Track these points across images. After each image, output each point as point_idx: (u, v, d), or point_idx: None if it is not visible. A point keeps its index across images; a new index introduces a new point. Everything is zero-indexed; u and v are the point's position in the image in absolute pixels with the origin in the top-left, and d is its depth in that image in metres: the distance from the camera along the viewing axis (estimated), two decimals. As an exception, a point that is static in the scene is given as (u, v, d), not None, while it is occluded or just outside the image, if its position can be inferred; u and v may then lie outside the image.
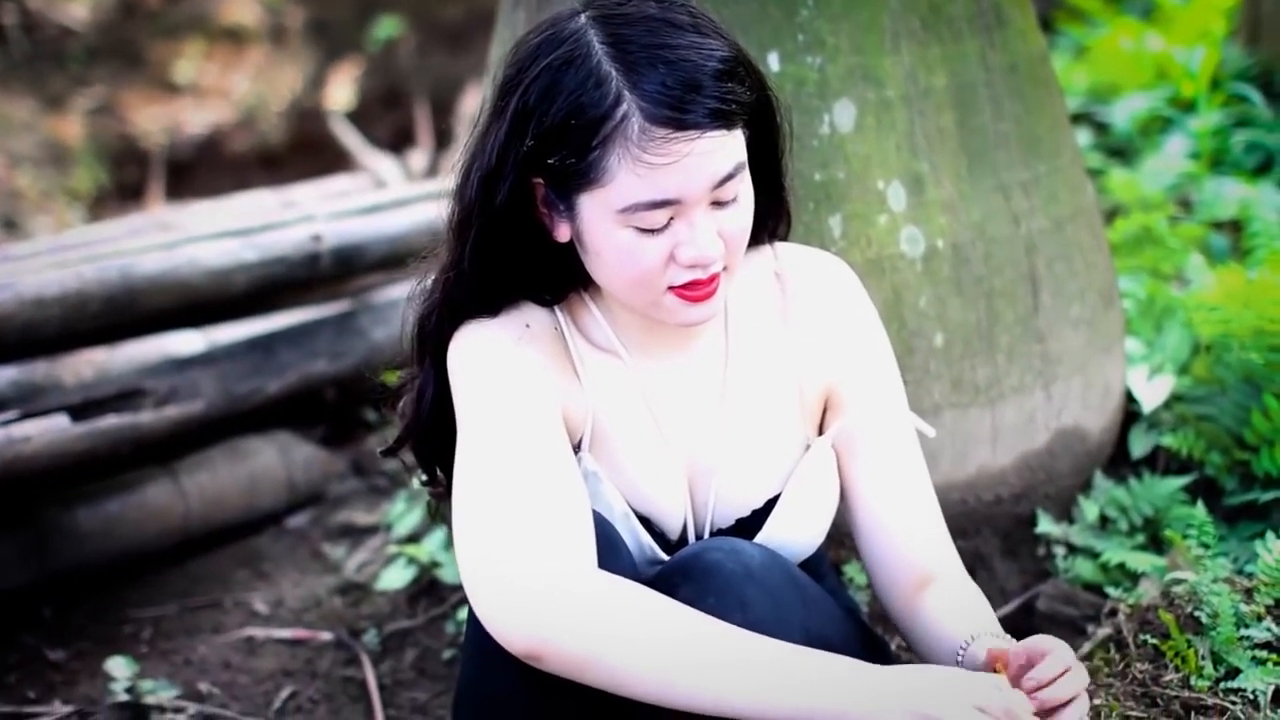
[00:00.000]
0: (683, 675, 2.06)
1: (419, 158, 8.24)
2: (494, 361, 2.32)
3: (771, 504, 2.50)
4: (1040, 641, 2.23)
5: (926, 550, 2.54)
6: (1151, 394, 3.79)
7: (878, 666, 2.13)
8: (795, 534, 2.51)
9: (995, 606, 3.53)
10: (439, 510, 2.38)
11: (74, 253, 4.25)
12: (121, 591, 4.46)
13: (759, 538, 2.46)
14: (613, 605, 2.07)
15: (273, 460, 4.90)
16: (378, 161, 7.60)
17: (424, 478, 2.60)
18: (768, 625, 2.19)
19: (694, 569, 2.26)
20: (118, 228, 5.09)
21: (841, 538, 3.40)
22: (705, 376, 2.49)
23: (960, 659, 2.35)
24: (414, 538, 4.31)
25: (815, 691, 2.08)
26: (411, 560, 4.14)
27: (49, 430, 4.02)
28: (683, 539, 2.48)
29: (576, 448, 2.40)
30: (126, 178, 9.75)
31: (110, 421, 4.20)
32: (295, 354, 4.82)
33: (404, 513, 4.44)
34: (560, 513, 2.14)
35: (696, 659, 2.07)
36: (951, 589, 2.51)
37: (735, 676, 2.07)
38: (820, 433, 2.57)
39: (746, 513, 2.49)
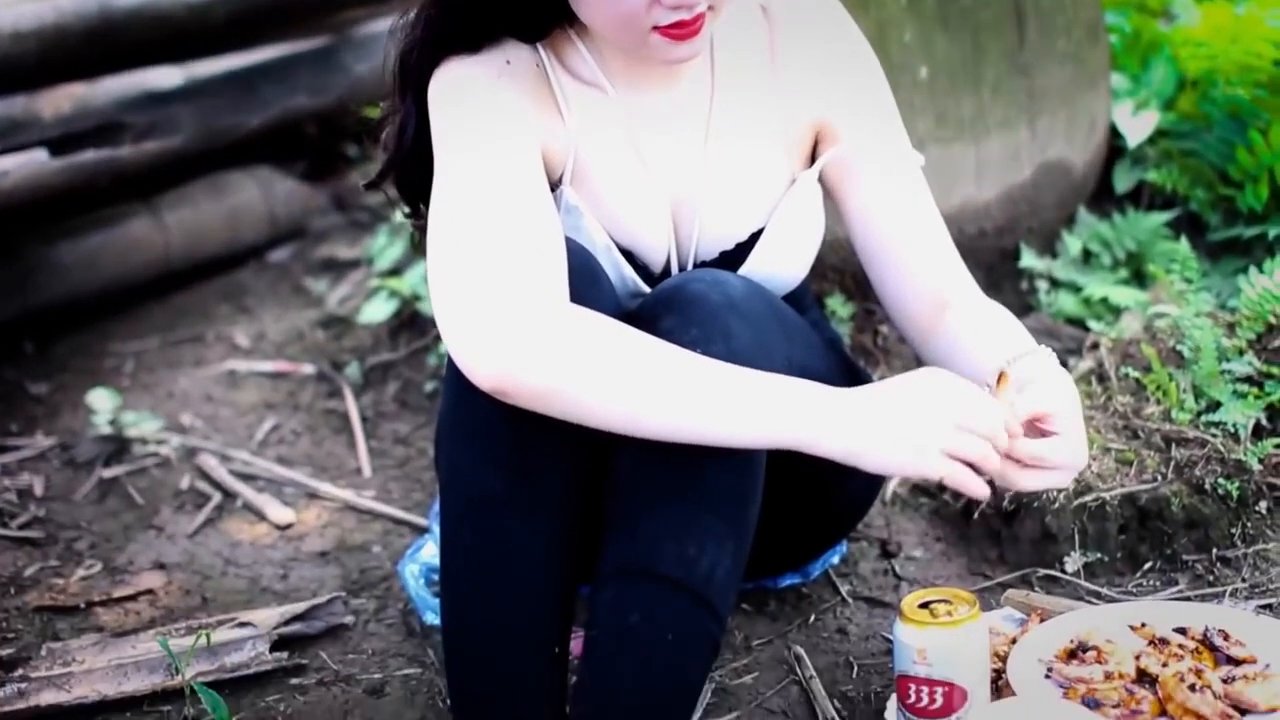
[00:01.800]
0: (649, 403, 2.06)
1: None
2: (472, 97, 2.29)
3: (756, 237, 2.48)
4: (1048, 401, 2.24)
5: (939, 273, 2.51)
6: (1136, 129, 3.77)
7: (857, 389, 2.13)
8: (779, 267, 2.49)
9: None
10: (421, 243, 2.36)
11: (51, -16, 4.19)
12: (103, 325, 4.47)
13: (742, 270, 2.45)
14: (577, 335, 2.06)
15: (254, 195, 4.88)
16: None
17: (406, 210, 2.58)
18: (750, 355, 2.18)
19: (677, 300, 2.25)
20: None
21: (825, 270, 3.41)
22: (690, 110, 2.46)
23: (1012, 366, 2.33)
24: (396, 271, 4.30)
25: (790, 415, 2.08)
26: (393, 293, 4.14)
27: (28, 164, 3.98)
28: (666, 272, 2.47)
29: (558, 182, 2.38)
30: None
31: (89, 156, 4.16)
32: (276, 88, 4.77)
33: (385, 246, 4.43)
34: (531, 247, 2.13)
35: (663, 387, 2.06)
36: (970, 311, 2.48)
37: (704, 402, 2.07)
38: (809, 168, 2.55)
39: (730, 245, 2.48)
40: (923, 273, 2.49)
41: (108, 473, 3.62)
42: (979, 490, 2.10)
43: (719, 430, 2.08)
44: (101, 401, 3.79)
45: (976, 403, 2.10)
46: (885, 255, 2.50)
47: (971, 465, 2.09)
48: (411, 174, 2.44)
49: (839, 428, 2.07)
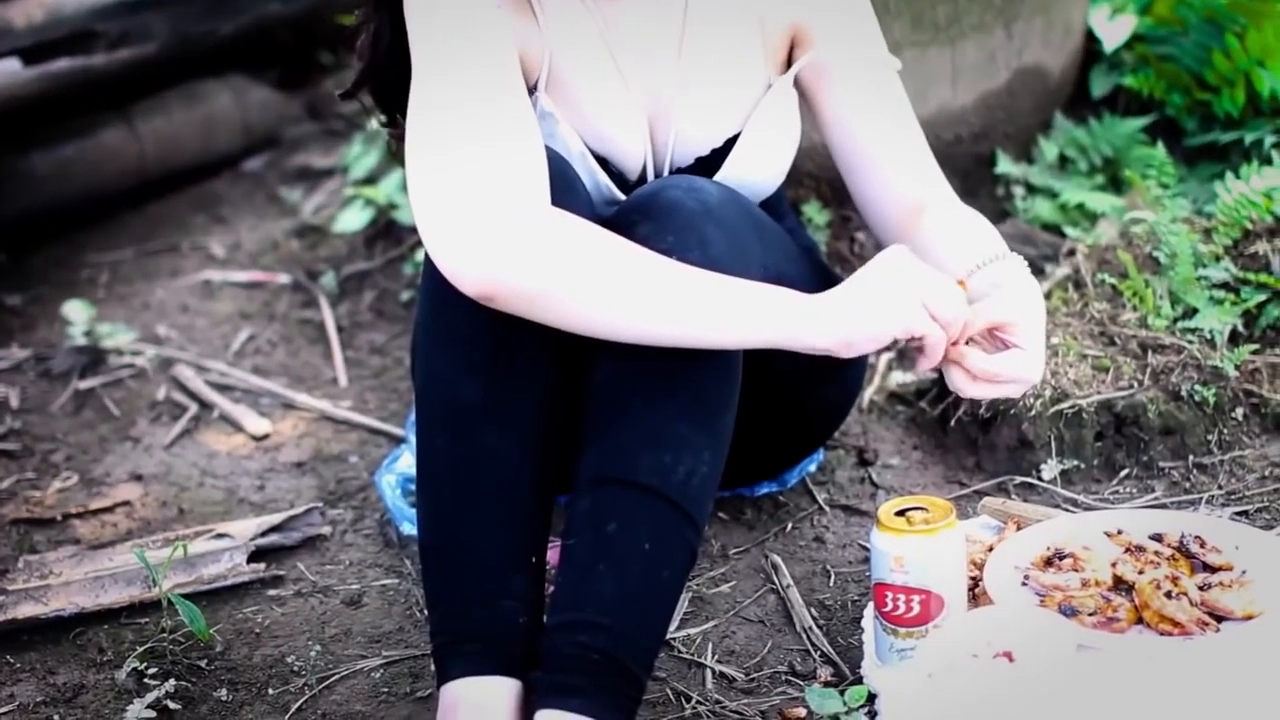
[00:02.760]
0: (636, 308, 2.05)
1: None
2: (449, 2, 2.26)
3: (732, 143, 2.47)
4: (1007, 311, 2.24)
5: (914, 179, 2.51)
6: (1113, 33, 3.75)
7: (830, 291, 2.13)
8: (755, 172, 2.48)
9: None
10: (398, 151, 2.35)
11: (19, -109, 4.16)
12: (78, 236, 4.46)
13: (718, 176, 2.43)
14: (564, 239, 2.05)
15: (228, 103, 4.86)
16: None
17: (383, 119, 2.57)
18: (726, 262, 2.17)
19: (652, 207, 2.24)
20: None
21: (801, 177, 3.40)
22: (666, 16, 2.44)
23: (980, 271, 2.33)
24: (371, 180, 4.29)
25: (775, 314, 2.08)
26: (368, 202, 4.13)
27: (0, 74, 3.96)
28: (641, 179, 2.46)
29: (533, 89, 2.37)
30: None
31: (62, 64, 4.15)
32: (249, -6, 4.74)
33: (360, 155, 4.41)
34: (512, 150, 2.11)
35: (651, 291, 2.05)
36: (945, 216, 2.47)
37: (691, 306, 2.06)
38: (785, 73, 2.54)
39: (706, 151, 2.47)
40: (898, 178, 2.49)
41: (83, 384, 3.61)
42: (926, 364, 2.15)
43: (706, 333, 2.08)
44: (76, 313, 3.79)
45: (940, 287, 2.11)
46: (861, 160, 2.50)
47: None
48: (388, 83, 2.42)
49: (822, 322, 2.07)
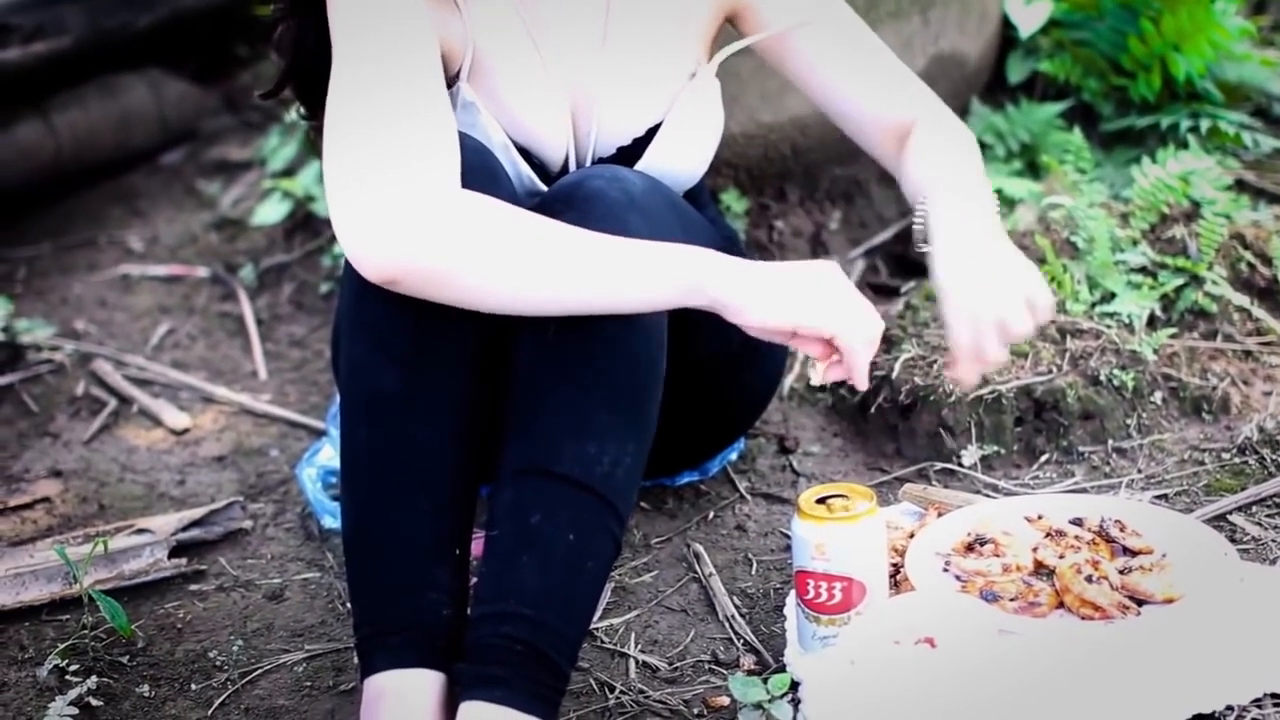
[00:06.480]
0: (538, 276, 2.04)
1: None
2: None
3: (653, 133, 2.47)
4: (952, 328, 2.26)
5: (893, 104, 2.54)
6: (1029, 19, 3.76)
7: (758, 263, 2.14)
8: (676, 162, 2.49)
9: (873, 233, 3.57)
10: (318, 142, 2.33)
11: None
12: (-6, 231, 4.43)
13: (640, 165, 2.44)
14: (464, 216, 2.04)
15: (144, 96, 4.83)
16: None
17: (304, 112, 2.55)
18: (650, 252, 2.19)
19: (575, 197, 2.24)
20: None
21: (719, 165, 3.40)
22: (589, 5, 2.44)
23: (918, 220, 2.36)
24: (289, 172, 4.27)
25: (674, 268, 2.08)
26: (286, 194, 4.11)
27: (-87, 68, 3.95)
28: (564, 170, 2.46)
29: (455, 79, 2.36)
30: None
31: (-26, 58, 4.12)
32: (164, -14, 4.72)
33: (278, 147, 4.39)
34: (423, 138, 2.10)
35: (553, 258, 2.05)
36: (920, 138, 2.50)
37: (593, 267, 2.05)
38: (710, 59, 2.54)
39: (628, 141, 2.47)
40: (877, 109, 2.53)
41: (1, 380, 3.58)
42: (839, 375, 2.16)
43: (613, 295, 2.08)
44: (-7, 308, 3.76)
45: (859, 306, 2.12)
46: (840, 103, 2.55)
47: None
48: (311, 79, 2.41)
49: (730, 275, 2.08)
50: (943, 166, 2.41)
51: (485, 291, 2.06)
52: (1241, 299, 3.01)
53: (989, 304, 2.22)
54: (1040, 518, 2.37)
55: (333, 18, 2.24)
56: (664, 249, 2.10)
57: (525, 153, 2.41)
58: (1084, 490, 2.71)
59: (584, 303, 2.09)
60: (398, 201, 2.02)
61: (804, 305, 2.10)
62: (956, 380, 2.27)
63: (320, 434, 3.19)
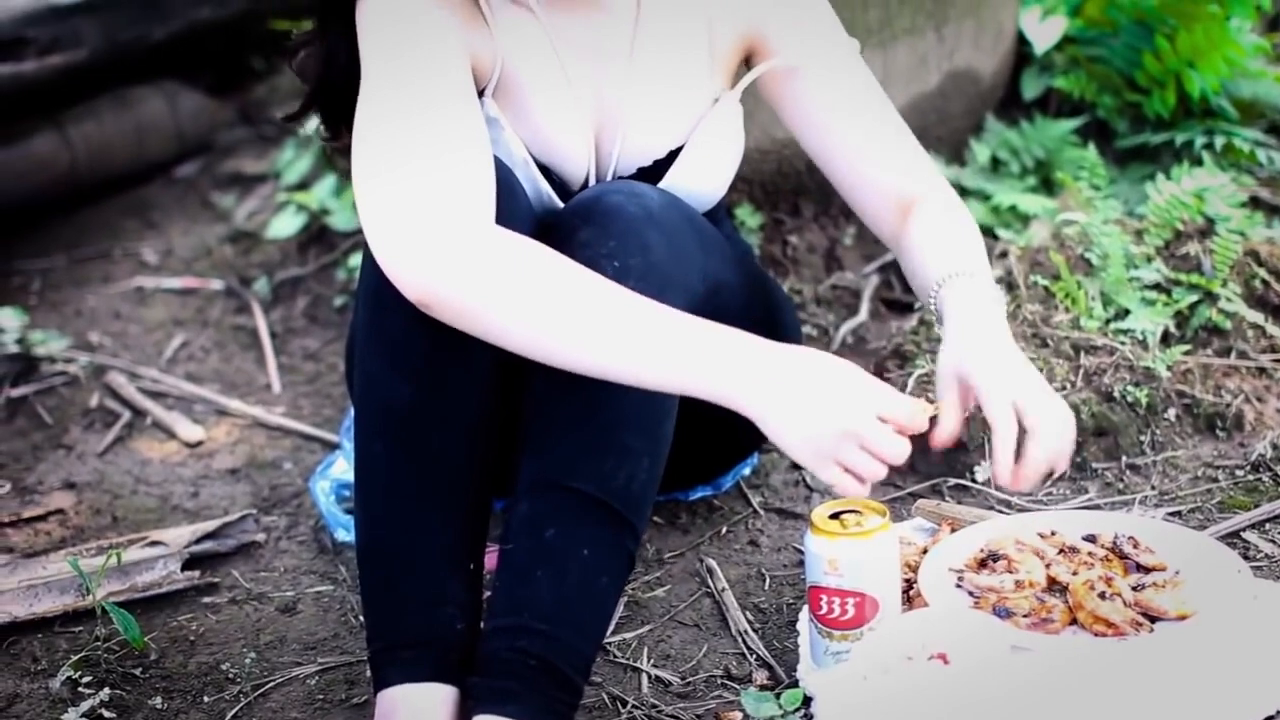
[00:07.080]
0: (570, 337, 2.04)
1: None
2: (403, 15, 2.25)
3: (675, 155, 2.47)
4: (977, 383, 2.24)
5: (898, 171, 2.49)
6: (1044, 35, 3.77)
7: (777, 350, 2.07)
8: (697, 184, 2.48)
9: (887, 249, 3.55)
10: (333, 157, 2.33)
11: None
12: (9, 243, 4.43)
13: (660, 185, 2.44)
14: (505, 259, 2.04)
15: (160, 109, 4.84)
16: None
17: (326, 134, 2.55)
18: (667, 267, 2.18)
19: (595, 211, 2.24)
20: None
21: (735, 181, 3.38)
22: (616, 28, 2.44)
23: (933, 300, 2.34)
24: (304, 185, 4.28)
25: (705, 366, 2.04)
26: (301, 207, 4.12)
27: (-71, 81, 3.96)
28: (583, 188, 2.45)
29: (481, 94, 2.36)
30: None
31: (-9, 72, 4.13)
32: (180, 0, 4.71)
33: (293, 160, 4.40)
34: (461, 160, 2.10)
35: (580, 319, 2.04)
36: (932, 216, 2.45)
37: (618, 341, 2.04)
38: (733, 86, 2.54)
39: (649, 162, 2.47)
40: (881, 175, 2.48)
41: (15, 392, 3.59)
42: (860, 491, 2.08)
43: (634, 372, 2.05)
44: (8, 320, 3.76)
45: (878, 428, 2.05)
46: (844, 160, 2.50)
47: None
48: (340, 103, 2.40)
49: (752, 391, 2.03)
50: (959, 256, 2.38)
51: (519, 338, 2.05)
52: (1255, 316, 3.01)
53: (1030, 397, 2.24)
54: (1054, 534, 2.36)
55: (363, 37, 2.25)
56: (706, 337, 2.05)
57: (546, 170, 2.41)
58: (1097, 506, 2.71)
59: (603, 370, 2.07)
60: (437, 230, 2.02)
61: (814, 460, 2.05)
62: (1014, 487, 2.19)
63: (333, 447, 3.19)
